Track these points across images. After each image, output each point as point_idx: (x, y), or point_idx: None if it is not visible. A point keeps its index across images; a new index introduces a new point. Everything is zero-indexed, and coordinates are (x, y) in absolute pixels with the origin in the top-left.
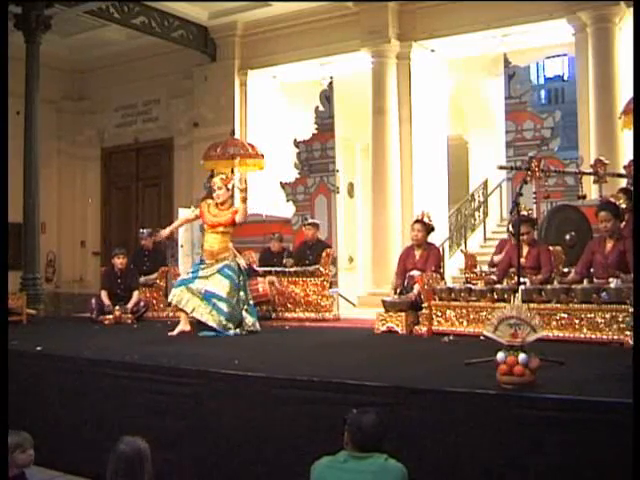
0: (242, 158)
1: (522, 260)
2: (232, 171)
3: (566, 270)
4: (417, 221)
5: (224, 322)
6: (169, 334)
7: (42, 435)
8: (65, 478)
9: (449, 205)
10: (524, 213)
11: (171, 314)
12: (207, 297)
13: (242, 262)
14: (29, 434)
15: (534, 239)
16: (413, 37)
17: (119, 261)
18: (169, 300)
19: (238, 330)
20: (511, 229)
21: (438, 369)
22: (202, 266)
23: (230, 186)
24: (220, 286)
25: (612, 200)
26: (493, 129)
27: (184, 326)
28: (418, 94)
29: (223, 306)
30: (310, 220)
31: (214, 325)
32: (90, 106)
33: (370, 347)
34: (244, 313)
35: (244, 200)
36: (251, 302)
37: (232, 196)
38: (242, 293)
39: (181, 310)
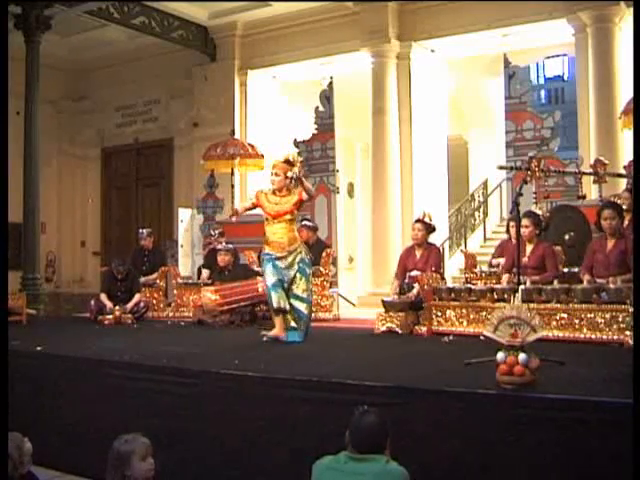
0: (242, 158)
1: (525, 259)
2: (289, 162)
3: (566, 270)
4: (418, 220)
5: (304, 326)
6: (264, 339)
7: (42, 435)
8: (65, 478)
9: (449, 205)
10: (533, 209)
11: (171, 314)
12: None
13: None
14: (25, 436)
15: (538, 238)
16: (413, 37)
17: (119, 272)
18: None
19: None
20: (512, 229)
21: (438, 369)
22: (279, 263)
23: (290, 174)
24: (300, 286)
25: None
26: (493, 129)
27: (279, 332)
28: (418, 94)
29: (302, 307)
30: (305, 223)
31: (300, 333)
32: (90, 106)
33: (370, 347)
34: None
35: (302, 182)
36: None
37: (290, 183)
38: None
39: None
